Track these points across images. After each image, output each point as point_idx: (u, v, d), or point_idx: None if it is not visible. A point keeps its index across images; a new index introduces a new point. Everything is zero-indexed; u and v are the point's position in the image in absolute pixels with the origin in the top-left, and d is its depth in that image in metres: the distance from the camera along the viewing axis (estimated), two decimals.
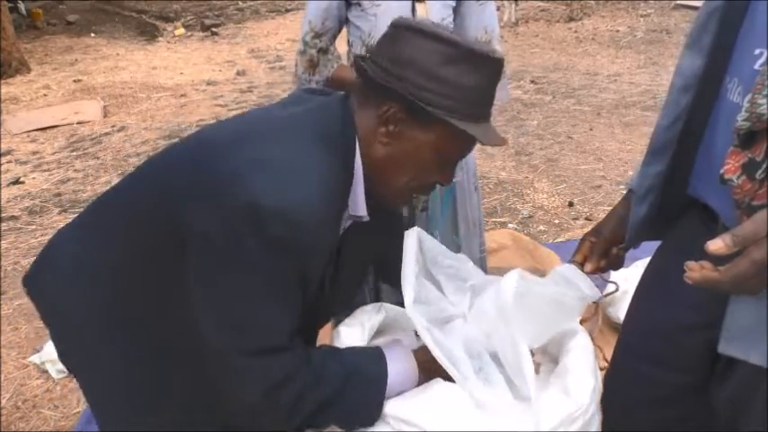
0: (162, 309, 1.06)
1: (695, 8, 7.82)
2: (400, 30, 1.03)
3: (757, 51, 0.87)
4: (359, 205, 1.09)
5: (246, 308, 0.97)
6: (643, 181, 1.09)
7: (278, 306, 0.99)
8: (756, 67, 0.86)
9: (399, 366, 1.08)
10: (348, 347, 1.13)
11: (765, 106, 0.80)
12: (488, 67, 1.03)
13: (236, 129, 1.07)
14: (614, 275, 1.30)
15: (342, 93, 1.13)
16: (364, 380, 1.06)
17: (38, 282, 1.18)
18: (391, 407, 1.04)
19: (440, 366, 1.06)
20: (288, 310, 1.00)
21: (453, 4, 1.98)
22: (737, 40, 0.92)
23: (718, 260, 0.82)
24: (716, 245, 0.80)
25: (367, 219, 1.11)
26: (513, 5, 8.27)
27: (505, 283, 1.08)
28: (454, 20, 2.01)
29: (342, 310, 1.36)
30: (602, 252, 1.19)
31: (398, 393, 1.07)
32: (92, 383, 1.20)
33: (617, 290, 1.31)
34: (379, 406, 1.05)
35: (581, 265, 1.18)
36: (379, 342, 1.24)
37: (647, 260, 1.25)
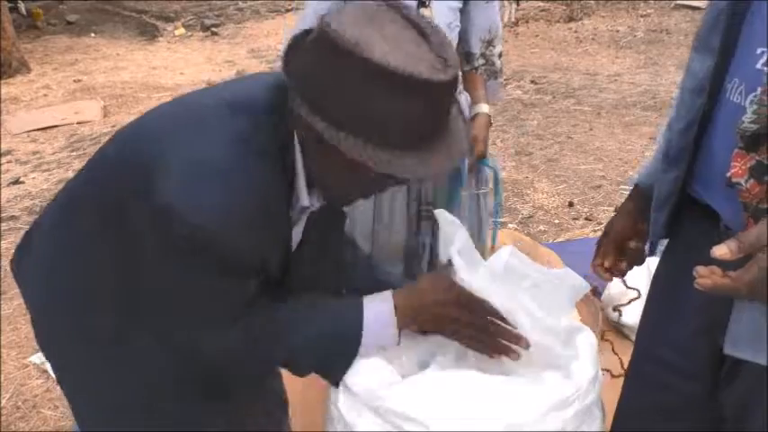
0: (123, 302, 1.05)
1: (695, 8, 7.82)
2: (318, 40, 0.87)
3: (759, 51, 0.86)
4: (302, 196, 1.01)
5: (189, 297, 0.98)
6: (662, 187, 1.08)
7: (220, 294, 0.99)
8: (758, 66, 0.85)
9: (376, 308, 1.06)
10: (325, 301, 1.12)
11: None
12: (417, 91, 0.84)
13: (175, 114, 1.06)
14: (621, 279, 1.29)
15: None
16: (338, 324, 1.06)
17: (20, 265, 1.21)
18: (391, 402, 1.02)
19: (423, 313, 1.07)
20: (231, 296, 1.00)
21: (460, 5, 1.95)
22: (740, 39, 0.91)
23: (727, 265, 0.81)
24: (721, 250, 0.79)
25: (314, 208, 1.05)
26: (513, 5, 8.26)
27: (497, 255, 1.13)
28: (460, 21, 1.98)
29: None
30: (615, 249, 1.17)
31: (377, 334, 1.06)
32: (65, 377, 1.20)
33: (639, 296, 1.30)
34: (355, 348, 1.04)
35: (601, 268, 1.17)
36: None
37: (654, 258, 1.24)
